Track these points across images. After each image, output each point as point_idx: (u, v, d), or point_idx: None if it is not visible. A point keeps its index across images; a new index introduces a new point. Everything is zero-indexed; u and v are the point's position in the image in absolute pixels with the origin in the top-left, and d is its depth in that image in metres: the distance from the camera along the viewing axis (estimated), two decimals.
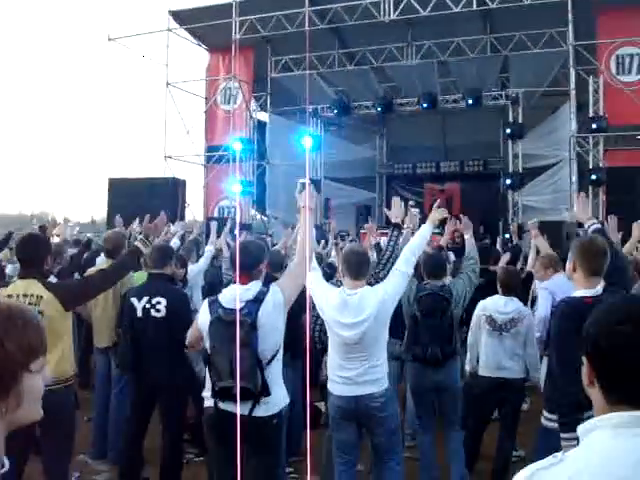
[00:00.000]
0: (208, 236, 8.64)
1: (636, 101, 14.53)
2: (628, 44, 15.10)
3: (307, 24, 16.65)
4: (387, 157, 21.86)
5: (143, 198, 15.36)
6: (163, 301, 4.97)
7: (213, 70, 19.99)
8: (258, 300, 3.75)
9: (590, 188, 15.11)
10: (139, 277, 5.77)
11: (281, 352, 3.91)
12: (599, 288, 3.40)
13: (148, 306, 5.00)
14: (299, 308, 5.57)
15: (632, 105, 14.60)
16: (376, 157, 21.73)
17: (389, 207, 5.03)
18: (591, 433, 1.40)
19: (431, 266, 5.46)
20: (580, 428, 1.43)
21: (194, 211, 19.11)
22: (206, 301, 3.96)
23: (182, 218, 16.33)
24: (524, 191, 16.69)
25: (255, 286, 3.83)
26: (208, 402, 3.90)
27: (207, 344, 3.85)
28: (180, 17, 19.05)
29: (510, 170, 17.02)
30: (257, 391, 3.66)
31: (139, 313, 5.02)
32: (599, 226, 3.98)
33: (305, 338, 6.05)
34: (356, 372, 4.24)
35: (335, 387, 4.38)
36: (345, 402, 4.32)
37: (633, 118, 15.04)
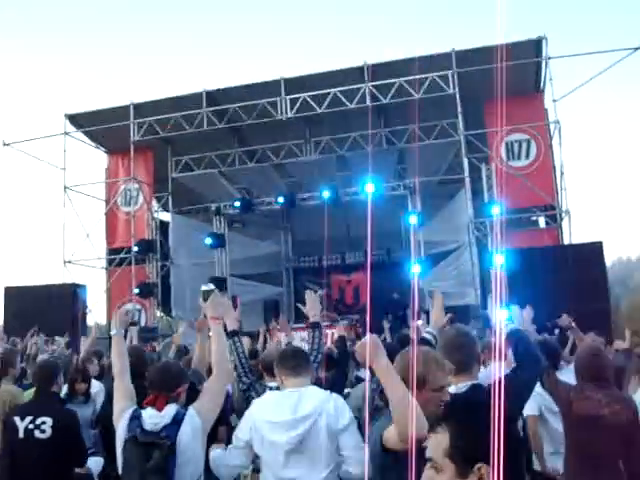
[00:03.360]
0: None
1: (528, 184, 15.24)
2: (515, 131, 15.95)
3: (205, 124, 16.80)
4: (292, 251, 21.94)
5: (41, 306, 14.78)
6: (49, 421, 4.54)
7: (112, 172, 19.80)
8: (176, 422, 3.42)
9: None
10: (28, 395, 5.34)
11: None
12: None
13: (31, 426, 4.53)
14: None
15: (524, 189, 15.31)
16: (282, 252, 21.77)
17: (298, 301, 4.78)
18: None
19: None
20: None
21: (96, 316, 18.47)
22: (128, 413, 3.53)
23: (84, 324, 15.78)
24: (429, 277, 16.97)
25: (172, 409, 3.49)
26: None
27: (119, 463, 3.45)
28: (77, 120, 18.94)
29: (413, 258, 17.34)
30: None
31: (20, 434, 4.53)
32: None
33: None
34: None
35: None
36: None
37: (526, 201, 15.76)
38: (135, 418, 3.47)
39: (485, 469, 1.61)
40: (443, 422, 1.73)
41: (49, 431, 4.53)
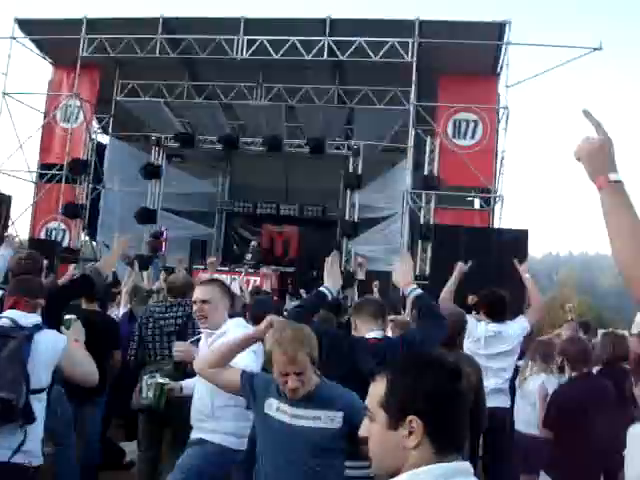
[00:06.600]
0: None
1: (468, 164, 15.42)
2: (465, 110, 16.05)
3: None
4: (228, 194, 21.74)
5: None
6: None
7: (55, 85, 19.08)
8: (39, 327, 3.45)
9: (420, 243, 15.79)
10: None
11: (45, 395, 3.48)
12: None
13: None
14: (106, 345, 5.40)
15: (464, 168, 15.48)
16: (217, 193, 21.54)
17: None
18: None
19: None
20: None
21: (19, 230, 17.97)
22: None
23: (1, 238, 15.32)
24: (359, 240, 17.13)
25: (37, 317, 3.54)
26: None
27: None
28: (26, 26, 18.10)
29: (346, 218, 17.45)
30: (19, 407, 3.21)
31: None
32: (420, 292, 3.87)
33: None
34: None
35: None
36: None
37: (464, 180, 15.97)
38: None
39: (417, 422, 1.59)
40: (383, 371, 1.73)
41: None
